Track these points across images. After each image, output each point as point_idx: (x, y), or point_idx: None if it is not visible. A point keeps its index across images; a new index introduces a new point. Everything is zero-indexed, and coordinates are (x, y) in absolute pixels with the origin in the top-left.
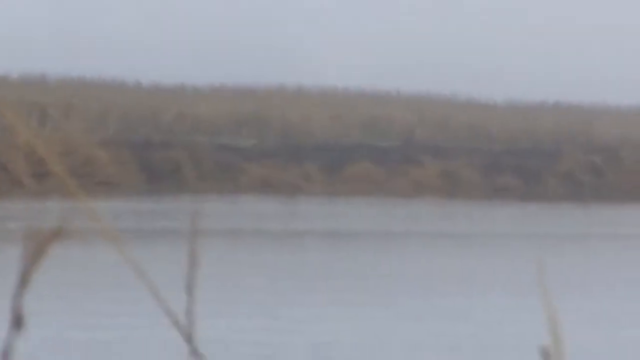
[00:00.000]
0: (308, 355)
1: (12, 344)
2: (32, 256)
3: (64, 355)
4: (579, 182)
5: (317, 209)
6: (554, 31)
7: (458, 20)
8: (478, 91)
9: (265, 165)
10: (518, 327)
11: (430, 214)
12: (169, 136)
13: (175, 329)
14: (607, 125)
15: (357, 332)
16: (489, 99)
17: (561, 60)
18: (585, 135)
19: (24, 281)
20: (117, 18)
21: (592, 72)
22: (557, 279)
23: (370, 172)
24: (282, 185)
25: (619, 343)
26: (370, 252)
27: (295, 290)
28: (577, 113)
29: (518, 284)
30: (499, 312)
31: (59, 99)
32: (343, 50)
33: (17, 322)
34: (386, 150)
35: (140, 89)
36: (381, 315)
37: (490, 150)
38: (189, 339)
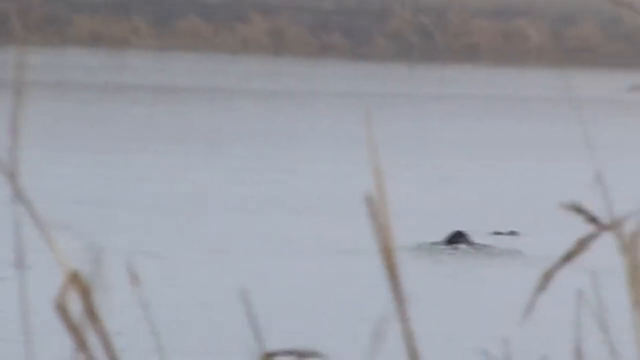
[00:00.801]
0: (135, 204)
1: None
2: None
3: None
4: (407, 42)
5: (145, 63)
6: None
7: None
8: None
9: (94, 18)
10: (344, 181)
11: (257, 71)
12: None
13: None
14: None
15: (181, 186)
16: None
17: None
18: None
19: None
20: None
21: None
22: (384, 137)
23: (199, 28)
24: (110, 39)
25: (446, 200)
26: (197, 108)
27: (122, 142)
28: None
29: (345, 140)
30: (326, 167)
31: None
32: None
33: None
34: (215, 6)
35: None
36: (208, 170)
37: (319, 8)
38: (11, 177)
